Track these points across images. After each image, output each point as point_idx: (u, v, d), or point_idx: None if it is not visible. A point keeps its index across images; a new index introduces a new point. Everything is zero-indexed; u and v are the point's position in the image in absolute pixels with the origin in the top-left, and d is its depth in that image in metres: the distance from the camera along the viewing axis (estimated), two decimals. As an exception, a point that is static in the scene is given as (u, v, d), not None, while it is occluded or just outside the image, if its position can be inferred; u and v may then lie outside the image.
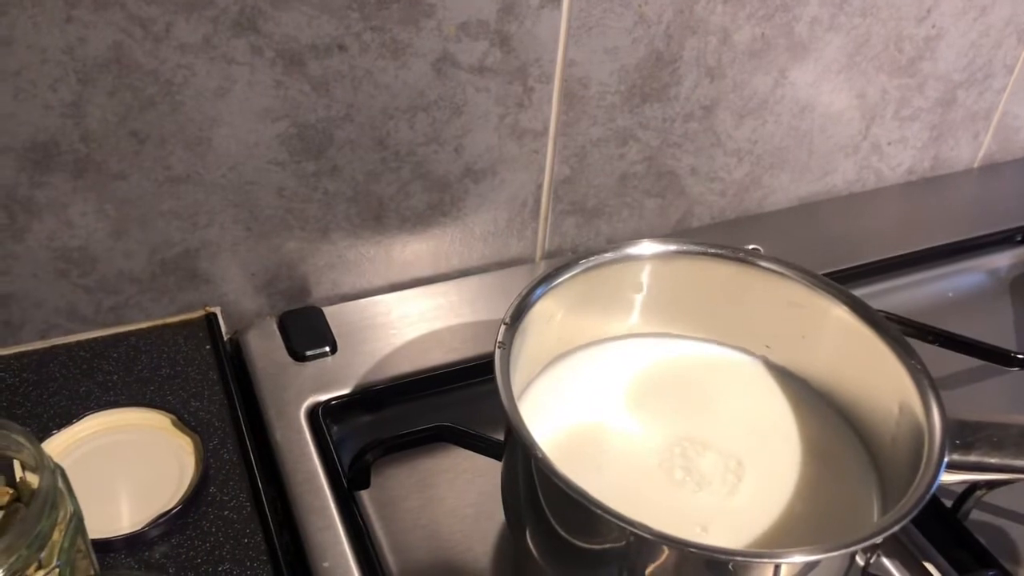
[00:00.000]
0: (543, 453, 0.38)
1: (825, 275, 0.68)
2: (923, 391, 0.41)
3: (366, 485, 0.52)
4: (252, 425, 0.54)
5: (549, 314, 0.47)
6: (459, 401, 0.58)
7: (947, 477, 0.40)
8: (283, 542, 0.48)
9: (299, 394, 0.56)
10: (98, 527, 0.46)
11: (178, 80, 0.51)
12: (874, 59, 0.71)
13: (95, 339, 0.58)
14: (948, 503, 0.52)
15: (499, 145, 0.61)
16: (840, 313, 0.46)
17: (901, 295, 0.72)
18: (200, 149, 0.54)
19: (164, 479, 0.50)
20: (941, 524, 0.52)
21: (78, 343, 0.57)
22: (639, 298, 0.50)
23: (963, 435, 0.40)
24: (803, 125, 0.72)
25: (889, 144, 0.78)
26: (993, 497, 0.53)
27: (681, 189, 0.71)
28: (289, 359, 0.59)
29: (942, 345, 0.60)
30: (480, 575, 0.49)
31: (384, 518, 0.52)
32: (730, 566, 0.36)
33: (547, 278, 0.46)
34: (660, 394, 0.50)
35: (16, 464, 0.38)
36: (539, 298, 0.46)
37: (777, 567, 0.36)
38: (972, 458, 0.40)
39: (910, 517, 0.36)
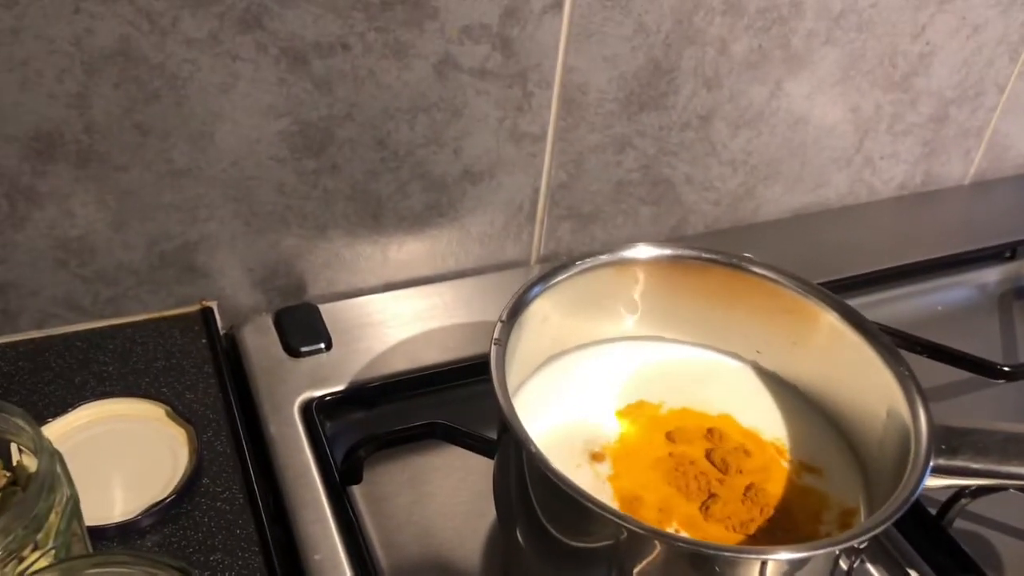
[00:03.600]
0: (537, 448, 0.38)
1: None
2: (910, 397, 0.42)
3: (358, 480, 0.52)
4: (246, 419, 0.55)
5: (544, 314, 0.47)
6: (452, 400, 0.59)
7: (932, 482, 0.41)
8: (275, 534, 0.49)
9: (294, 389, 0.57)
10: (91, 514, 0.46)
11: (183, 74, 0.51)
12: (868, 74, 0.72)
13: (92, 330, 0.58)
14: (933, 511, 0.53)
15: (497, 148, 0.62)
16: (830, 319, 0.47)
17: (891, 307, 0.73)
18: (202, 143, 0.54)
19: (157, 469, 0.50)
20: (925, 531, 0.52)
21: (75, 333, 0.58)
22: (633, 301, 0.51)
23: (949, 440, 0.41)
24: (797, 137, 0.73)
25: (882, 158, 0.79)
26: (976, 506, 0.54)
27: (676, 197, 0.72)
28: (284, 355, 0.59)
29: (930, 356, 0.61)
30: (470, 572, 0.50)
31: (376, 514, 0.52)
32: (717, 562, 0.37)
33: (543, 278, 0.47)
34: (652, 397, 0.50)
35: (13, 447, 0.39)
36: (535, 297, 0.46)
37: (764, 564, 0.37)
38: (957, 463, 0.40)
39: (893, 520, 0.37)
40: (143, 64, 0.50)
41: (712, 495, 0.43)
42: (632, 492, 0.45)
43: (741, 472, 0.44)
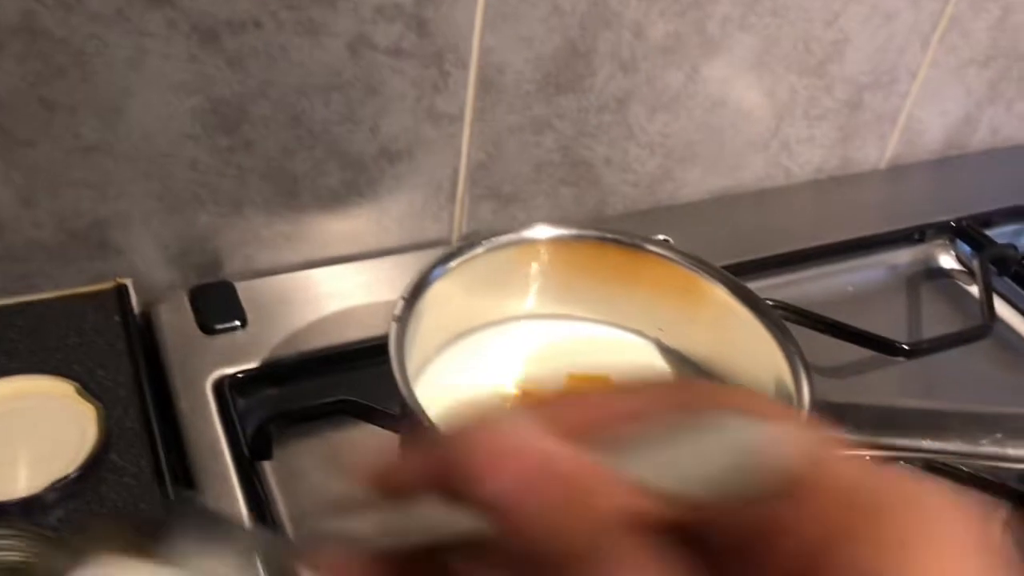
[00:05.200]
0: (431, 422, 0.39)
1: (732, 266, 0.70)
2: (795, 370, 0.44)
3: (268, 456, 0.53)
4: (158, 396, 0.55)
5: (448, 294, 0.48)
6: (369, 378, 0.59)
7: (813, 453, 0.43)
8: (182, 509, 0.49)
9: (207, 366, 0.57)
10: (-6, 491, 0.47)
11: (89, 50, 0.51)
12: (783, 59, 0.74)
13: (1, 307, 0.57)
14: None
15: (415, 127, 0.63)
16: (722, 296, 0.48)
17: (804, 287, 0.75)
18: (112, 119, 0.54)
19: (65, 446, 0.50)
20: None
21: (-17, 310, 0.57)
22: (536, 280, 0.52)
23: (829, 415, 0.43)
24: (714, 121, 0.75)
25: (798, 142, 0.81)
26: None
27: (595, 179, 0.73)
28: (199, 332, 0.59)
29: (832, 334, 0.63)
30: (378, 545, 0.51)
31: (288, 490, 0.53)
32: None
33: (446, 258, 0.47)
34: (556, 374, 0.51)
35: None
36: (438, 277, 0.47)
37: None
38: (834, 435, 0.42)
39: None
40: (47, 39, 0.50)
41: None
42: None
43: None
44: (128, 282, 0.61)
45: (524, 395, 0.49)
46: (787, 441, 0.18)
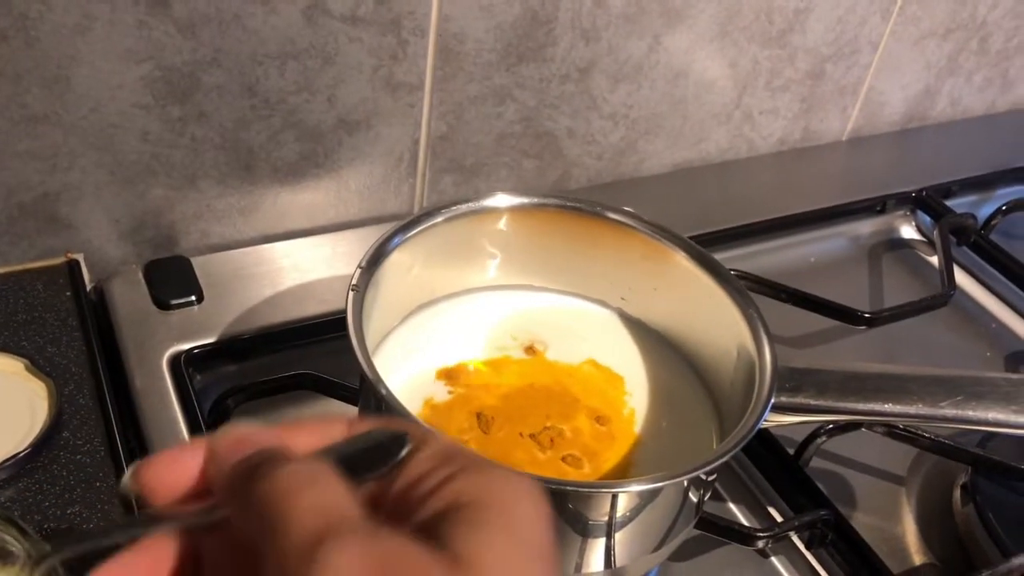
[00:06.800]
0: (387, 389, 0.38)
1: (695, 238, 0.71)
2: (757, 336, 0.44)
3: (227, 431, 0.52)
4: (112, 372, 0.54)
5: (407, 264, 0.47)
6: (328, 353, 0.58)
7: (776, 418, 0.43)
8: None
9: (162, 342, 0.56)
10: (-59, 471, 0.45)
11: (32, 14, 0.49)
12: (746, 29, 0.73)
13: (-53, 283, 0.56)
14: (791, 451, 0.55)
15: (373, 97, 0.61)
16: (684, 263, 0.48)
17: (766, 258, 0.75)
18: (58, 88, 0.52)
19: (14, 423, 0.49)
20: (783, 470, 0.55)
21: (-72, 287, 0.55)
22: (497, 250, 0.51)
23: (792, 380, 0.43)
24: (677, 92, 0.74)
25: (761, 114, 0.81)
26: (831, 445, 0.56)
27: (559, 151, 0.72)
28: (154, 308, 0.58)
29: (794, 304, 0.63)
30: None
31: (247, 466, 0.52)
32: (568, 498, 0.38)
33: (405, 227, 0.47)
34: (519, 346, 0.51)
35: None
36: (396, 246, 0.46)
37: (614, 496, 0.38)
38: (798, 400, 0.42)
39: (732, 453, 0.38)
40: (-13, 3, 0.48)
41: (546, 428, 0.44)
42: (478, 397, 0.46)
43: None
44: (79, 257, 0.59)
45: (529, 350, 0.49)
46: (403, 425, 0.26)
